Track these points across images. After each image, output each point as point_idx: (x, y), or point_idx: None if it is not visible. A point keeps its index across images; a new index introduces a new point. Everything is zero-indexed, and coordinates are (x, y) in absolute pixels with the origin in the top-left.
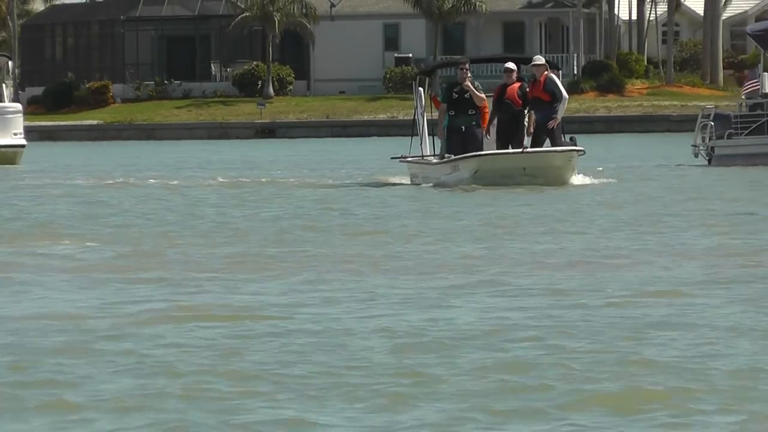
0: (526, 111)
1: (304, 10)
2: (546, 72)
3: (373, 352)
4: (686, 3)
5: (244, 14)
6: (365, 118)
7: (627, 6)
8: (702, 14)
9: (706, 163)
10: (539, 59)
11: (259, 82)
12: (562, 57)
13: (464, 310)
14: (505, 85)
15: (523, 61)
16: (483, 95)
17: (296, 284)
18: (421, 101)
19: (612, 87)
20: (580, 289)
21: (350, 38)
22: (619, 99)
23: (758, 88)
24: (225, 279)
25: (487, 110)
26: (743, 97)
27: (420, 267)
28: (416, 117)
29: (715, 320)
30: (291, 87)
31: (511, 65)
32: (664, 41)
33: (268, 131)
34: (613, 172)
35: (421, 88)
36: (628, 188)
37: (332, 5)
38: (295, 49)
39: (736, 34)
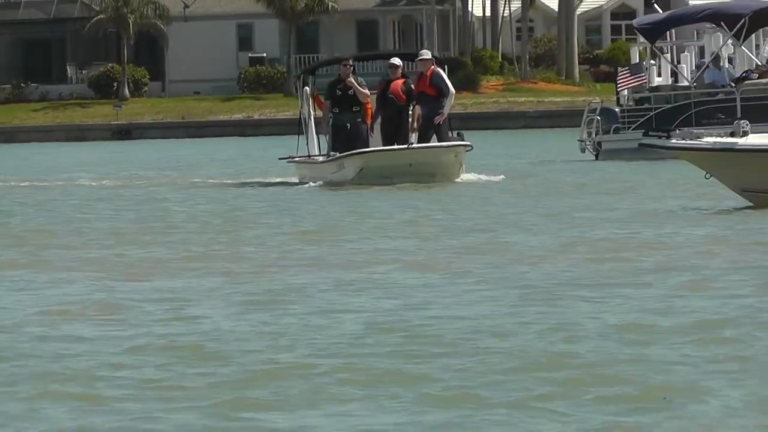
0: (411, 107)
1: (157, 12)
2: (432, 67)
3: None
4: None
5: (99, 16)
6: (221, 118)
7: (481, 2)
8: (556, 10)
9: (593, 157)
10: (426, 54)
11: (115, 84)
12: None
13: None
14: (389, 81)
15: (410, 56)
16: (367, 92)
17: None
18: (307, 100)
19: (467, 84)
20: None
21: (204, 39)
22: (474, 96)
23: (645, 82)
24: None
25: (370, 107)
26: (626, 92)
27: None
28: (302, 116)
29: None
30: (146, 88)
31: (396, 61)
32: (518, 37)
33: (124, 133)
34: (500, 168)
35: (306, 87)
36: (511, 185)
37: (185, 6)
38: (150, 50)
39: (591, 29)
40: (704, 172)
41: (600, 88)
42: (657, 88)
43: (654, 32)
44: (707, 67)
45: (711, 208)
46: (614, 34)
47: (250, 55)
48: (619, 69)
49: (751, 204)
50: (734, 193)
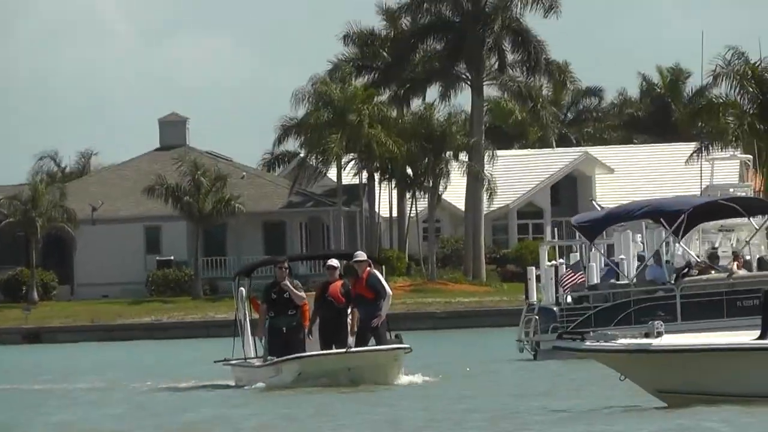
0: (349, 309)
1: (65, 215)
2: (368, 268)
3: None
4: (447, 198)
5: (8, 220)
6: (130, 321)
7: (387, 203)
8: (463, 209)
9: (532, 357)
10: (361, 255)
11: (24, 287)
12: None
13: None
14: (328, 283)
15: (346, 256)
16: (303, 294)
17: None
18: (242, 302)
19: None
20: None
21: (112, 242)
22: None
23: (584, 281)
24: None
25: (307, 309)
26: (563, 290)
27: None
28: (237, 318)
29: None
30: (55, 291)
31: (333, 262)
32: (425, 237)
33: (33, 336)
34: (437, 370)
35: (242, 288)
36: (452, 386)
37: (93, 209)
38: (59, 253)
39: (497, 228)
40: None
41: (507, 288)
42: (595, 287)
43: (593, 230)
44: (647, 264)
45: (627, 408)
46: (521, 233)
47: (157, 258)
48: (565, 267)
49: (665, 404)
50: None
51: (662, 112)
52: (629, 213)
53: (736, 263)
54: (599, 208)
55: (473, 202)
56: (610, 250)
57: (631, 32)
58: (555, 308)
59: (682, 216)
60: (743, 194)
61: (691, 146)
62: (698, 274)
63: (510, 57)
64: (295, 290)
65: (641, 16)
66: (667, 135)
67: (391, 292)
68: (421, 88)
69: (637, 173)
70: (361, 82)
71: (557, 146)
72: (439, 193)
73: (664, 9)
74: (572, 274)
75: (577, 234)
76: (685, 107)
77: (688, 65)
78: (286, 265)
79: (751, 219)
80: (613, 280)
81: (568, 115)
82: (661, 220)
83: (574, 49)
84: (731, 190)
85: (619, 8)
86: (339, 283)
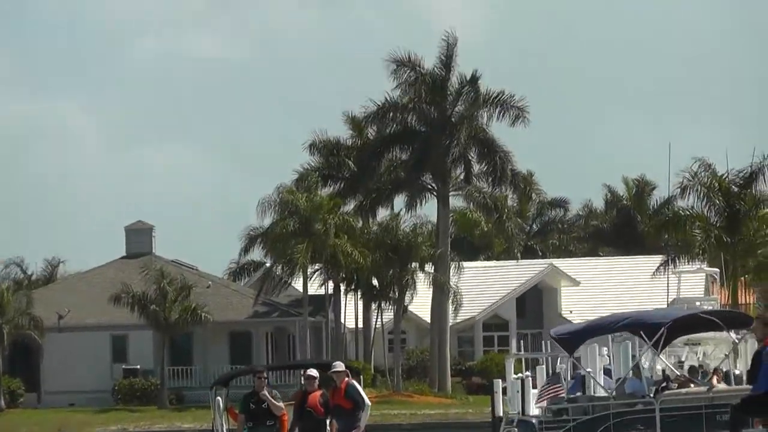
0: (328, 420)
1: (32, 322)
2: (346, 378)
3: None
4: (412, 309)
5: None
6: (97, 430)
7: (353, 314)
8: (429, 321)
9: None
10: (339, 365)
11: None
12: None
13: None
14: (307, 393)
15: (324, 366)
16: (281, 404)
17: None
18: (219, 412)
19: None
20: None
21: (79, 350)
22: None
23: (563, 393)
24: None
25: (286, 420)
26: (545, 403)
27: None
28: (215, 428)
29: None
30: (22, 399)
31: (313, 372)
32: (390, 349)
33: None
34: None
35: (219, 398)
36: None
37: (60, 317)
38: (26, 360)
39: (463, 340)
40: None
41: (473, 400)
42: (575, 399)
43: (572, 343)
44: (626, 376)
45: None
46: (486, 345)
47: (124, 366)
48: (545, 378)
49: None
50: None
51: (627, 224)
52: (609, 325)
53: (716, 377)
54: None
55: (439, 314)
56: (575, 363)
57: (597, 143)
58: (534, 420)
59: (662, 329)
60: (710, 307)
61: (657, 259)
62: (677, 388)
63: (476, 167)
64: (273, 400)
65: (606, 128)
66: (632, 247)
67: (369, 403)
68: (386, 197)
69: (603, 285)
70: (326, 191)
71: (522, 258)
72: (405, 304)
73: (628, 121)
74: (552, 386)
75: (544, 346)
76: (651, 219)
77: (653, 177)
78: (265, 375)
79: (731, 333)
80: (590, 393)
81: (534, 226)
82: (641, 332)
83: (538, 160)
84: (698, 303)
85: (584, 119)
86: (318, 393)
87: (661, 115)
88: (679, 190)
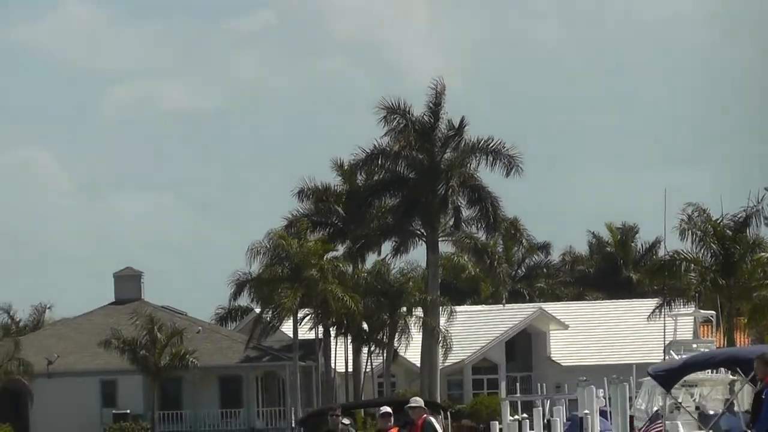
0: None
1: (21, 367)
2: (425, 415)
3: None
4: (402, 354)
5: None
6: None
7: (343, 358)
8: (419, 364)
9: None
10: (416, 401)
11: None
12: (279, 410)
13: None
14: (382, 431)
15: (400, 403)
16: None
17: None
18: None
19: None
20: None
21: (68, 395)
22: None
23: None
24: None
25: None
26: None
27: None
28: None
29: None
30: None
31: (387, 409)
32: (380, 392)
33: None
34: None
35: None
36: None
37: (49, 362)
38: (15, 406)
39: (452, 383)
40: None
41: None
42: None
43: (670, 379)
44: (723, 413)
45: None
46: (476, 388)
47: (114, 411)
48: (652, 416)
49: None
50: None
51: (612, 269)
52: (706, 361)
53: None
54: (675, 357)
55: (429, 358)
56: (573, 405)
57: (577, 190)
58: None
59: None
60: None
61: (647, 302)
62: None
63: (465, 213)
64: None
65: (587, 174)
66: (617, 291)
67: None
68: (375, 243)
69: (593, 329)
70: (315, 237)
71: (509, 302)
72: (395, 348)
73: (609, 167)
74: (654, 423)
75: (539, 389)
76: (636, 264)
77: (637, 222)
78: (338, 411)
79: (728, 373)
80: (731, 427)
81: (519, 271)
82: (737, 368)
83: (519, 205)
84: (694, 345)
85: (564, 165)
86: (394, 430)
87: (639, 162)
88: (671, 234)
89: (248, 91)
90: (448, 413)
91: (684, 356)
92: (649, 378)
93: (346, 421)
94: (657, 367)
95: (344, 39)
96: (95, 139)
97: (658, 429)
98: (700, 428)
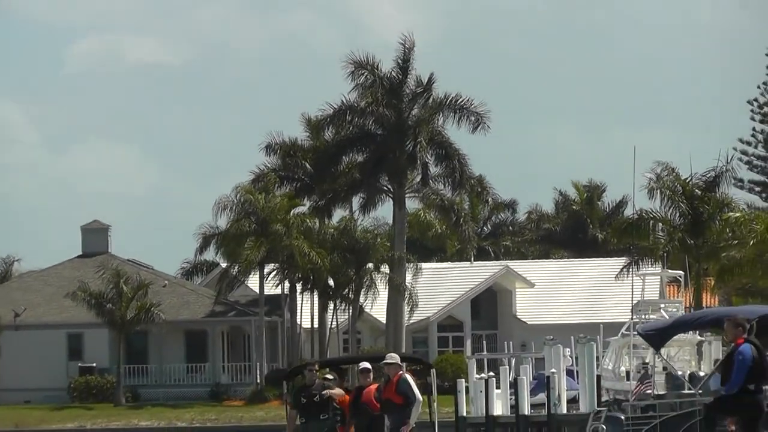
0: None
1: None
2: (400, 372)
3: None
4: (368, 310)
5: None
6: (54, 427)
7: (309, 314)
8: (384, 321)
9: None
10: (391, 357)
11: None
12: (244, 365)
13: None
14: (361, 388)
15: (377, 359)
16: (341, 390)
17: None
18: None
19: None
20: None
21: (35, 348)
22: None
23: (651, 391)
24: None
25: (347, 404)
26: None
27: None
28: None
29: None
30: None
31: (366, 365)
32: (345, 348)
33: None
34: None
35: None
36: None
37: (16, 315)
38: None
39: (418, 340)
40: None
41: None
42: (662, 396)
43: (660, 338)
44: (713, 373)
45: None
46: (441, 345)
47: (80, 364)
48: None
49: None
50: None
51: (579, 228)
52: (695, 321)
53: None
54: (666, 317)
55: (394, 315)
56: (539, 364)
57: (543, 148)
58: (621, 416)
59: (749, 325)
60: (675, 310)
61: (615, 262)
62: None
63: (433, 170)
64: (331, 391)
65: (553, 133)
66: (583, 250)
67: (420, 399)
68: (343, 199)
69: (558, 288)
70: (282, 192)
71: (475, 260)
72: (361, 304)
73: (573, 126)
74: (643, 383)
75: (506, 347)
76: (603, 223)
77: (603, 180)
78: (316, 368)
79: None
80: (554, 393)
81: (485, 228)
82: None
83: (484, 163)
84: (662, 306)
85: (531, 123)
86: (373, 387)
87: (608, 121)
88: (639, 193)
89: (215, 45)
90: (432, 371)
91: (675, 316)
92: (616, 338)
93: (329, 376)
94: (647, 326)
95: None
96: (60, 92)
97: (649, 388)
98: (689, 388)
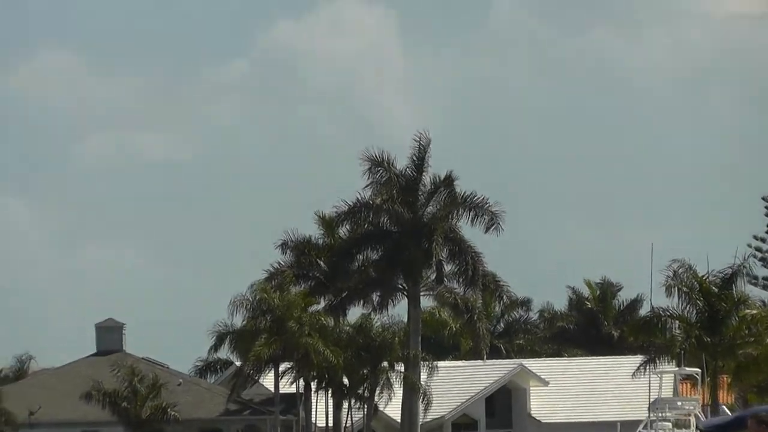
0: None
1: (4, 418)
2: None
3: None
4: (382, 409)
5: None
6: None
7: (324, 412)
8: (398, 420)
9: None
10: None
11: None
12: None
13: None
14: None
15: None
16: None
17: None
18: None
19: None
20: None
21: None
22: None
23: None
24: None
25: None
26: None
27: None
28: None
29: None
30: None
31: None
32: None
33: None
34: None
35: None
36: None
37: (31, 413)
38: None
39: None
40: None
41: None
42: None
43: None
44: None
45: None
46: None
47: None
48: None
49: None
50: None
51: (592, 325)
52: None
53: None
54: (728, 413)
55: (409, 413)
56: None
57: (557, 246)
58: None
59: None
60: (692, 408)
61: (626, 359)
62: None
63: (447, 268)
64: None
65: (567, 231)
66: (597, 348)
67: None
68: (358, 297)
69: (572, 386)
70: (297, 290)
71: (489, 358)
72: (376, 402)
73: (587, 225)
74: None
75: None
76: (617, 321)
77: (619, 278)
78: None
79: None
80: None
81: (499, 326)
82: None
83: (499, 261)
84: (679, 403)
85: (545, 222)
86: None
87: (622, 217)
88: (656, 290)
89: (226, 141)
90: None
91: (737, 412)
92: None
93: None
94: (709, 422)
95: (319, 89)
96: (73, 189)
97: None
98: None
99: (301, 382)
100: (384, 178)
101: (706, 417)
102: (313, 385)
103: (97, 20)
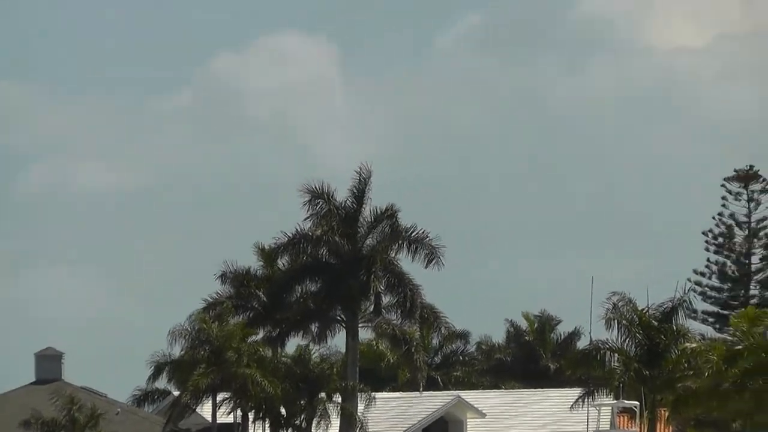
0: None
1: None
2: None
3: None
4: None
5: None
6: None
7: None
8: None
9: None
10: None
11: None
12: None
13: None
14: None
15: None
16: None
17: None
18: None
19: None
20: None
21: None
22: None
23: None
24: None
25: None
26: None
27: None
28: None
29: None
30: None
31: None
32: None
33: None
34: None
35: None
36: None
37: None
38: None
39: None
40: None
41: None
42: None
43: None
44: None
45: None
46: None
47: None
48: None
49: None
50: None
51: (530, 358)
52: None
53: None
54: None
55: None
56: None
57: (498, 277)
58: None
59: None
60: None
61: (564, 392)
62: None
63: (384, 299)
64: None
65: (504, 263)
66: (534, 380)
67: None
68: (296, 328)
69: (510, 418)
70: (236, 321)
71: (425, 389)
72: None
73: (526, 256)
74: None
75: None
76: (555, 353)
77: (556, 310)
78: None
79: None
80: None
81: (436, 358)
82: None
83: (436, 293)
84: None
85: (485, 254)
86: None
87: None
88: (596, 323)
89: (167, 171)
90: None
91: None
92: None
93: None
94: None
95: (260, 120)
96: (13, 218)
97: None
98: None
99: (239, 412)
100: (324, 210)
101: None
102: (251, 416)
103: (40, 49)
